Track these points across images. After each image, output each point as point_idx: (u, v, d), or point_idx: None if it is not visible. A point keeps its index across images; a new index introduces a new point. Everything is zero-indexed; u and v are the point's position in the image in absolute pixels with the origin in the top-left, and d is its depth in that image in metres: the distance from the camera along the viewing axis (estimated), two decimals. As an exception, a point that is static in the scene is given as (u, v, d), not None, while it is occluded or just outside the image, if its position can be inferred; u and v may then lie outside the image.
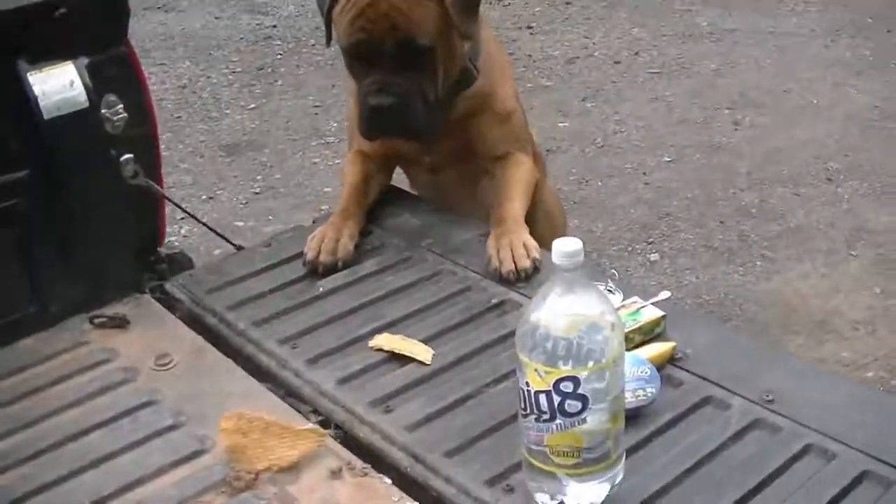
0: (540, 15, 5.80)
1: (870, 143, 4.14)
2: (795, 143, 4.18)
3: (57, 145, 1.92)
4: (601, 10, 5.80)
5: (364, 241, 2.15)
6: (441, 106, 2.09)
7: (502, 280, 1.95)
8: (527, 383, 1.32)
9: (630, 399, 1.49)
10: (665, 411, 1.57)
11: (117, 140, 1.99)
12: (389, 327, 1.85)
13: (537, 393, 1.31)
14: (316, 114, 4.71)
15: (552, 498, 1.38)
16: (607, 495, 1.38)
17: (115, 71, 1.98)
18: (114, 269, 2.05)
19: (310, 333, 1.87)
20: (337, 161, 4.06)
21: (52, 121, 1.90)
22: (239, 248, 2.29)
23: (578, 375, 1.29)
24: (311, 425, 1.61)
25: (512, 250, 1.98)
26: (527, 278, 1.94)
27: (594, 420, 1.32)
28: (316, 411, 1.69)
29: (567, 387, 1.30)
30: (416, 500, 1.48)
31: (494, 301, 1.91)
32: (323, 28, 2.10)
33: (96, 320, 1.97)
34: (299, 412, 1.68)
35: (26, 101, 1.88)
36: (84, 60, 1.94)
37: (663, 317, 1.75)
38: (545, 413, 1.31)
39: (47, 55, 1.91)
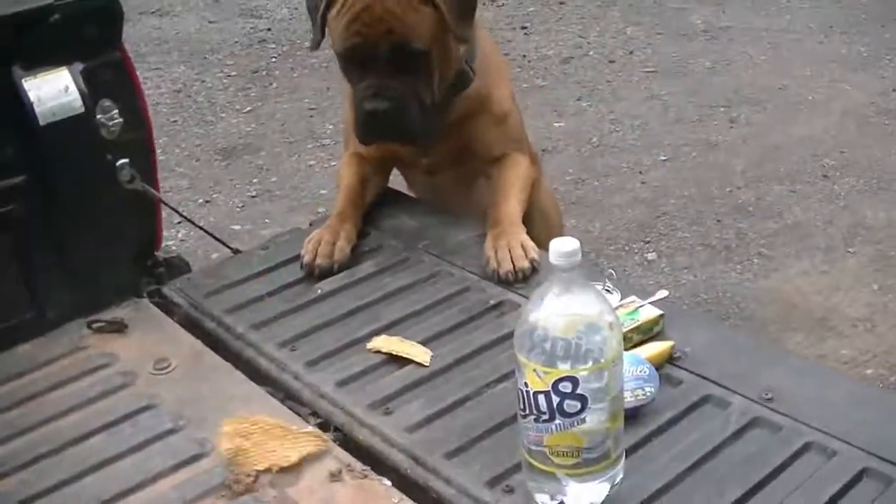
0: (534, 15, 5.80)
1: (866, 140, 4.14)
2: (791, 140, 4.18)
3: (53, 151, 1.92)
4: (595, 9, 5.80)
5: (361, 242, 2.15)
6: (437, 109, 2.08)
7: (500, 281, 1.95)
8: (526, 384, 1.32)
9: (629, 398, 1.49)
10: (664, 410, 1.57)
11: (113, 145, 1.99)
12: (388, 329, 1.85)
13: (536, 393, 1.31)
14: (311, 117, 4.71)
15: (552, 498, 1.38)
16: (607, 495, 1.38)
17: (110, 76, 1.98)
18: (111, 274, 2.05)
19: (308, 336, 1.87)
20: (333, 163, 4.05)
21: (47, 126, 1.90)
22: (236, 251, 2.29)
23: (577, 375, 1.29)
24: (311, 428, 1.61)
25: (510, 251, 1.98)
26: (525, 279, 1.94)
27: (593, 420, 1.32)
28: (315, 413, 1.68)
29: (566, 387, 1.29)
30: (416, 501, 1.47)
31: (492, 302, 1.91)
32: (316, 31, 2.10)
33: (94, 325, 1.96)
34: (299, 415, 1.67)
35: (22, 107, 1.88)
36: (79, 66, 1.94)
37: (661, 316, 1.75)
38: (544, 413, 1.31)
39: (42, 61, 1.91)
